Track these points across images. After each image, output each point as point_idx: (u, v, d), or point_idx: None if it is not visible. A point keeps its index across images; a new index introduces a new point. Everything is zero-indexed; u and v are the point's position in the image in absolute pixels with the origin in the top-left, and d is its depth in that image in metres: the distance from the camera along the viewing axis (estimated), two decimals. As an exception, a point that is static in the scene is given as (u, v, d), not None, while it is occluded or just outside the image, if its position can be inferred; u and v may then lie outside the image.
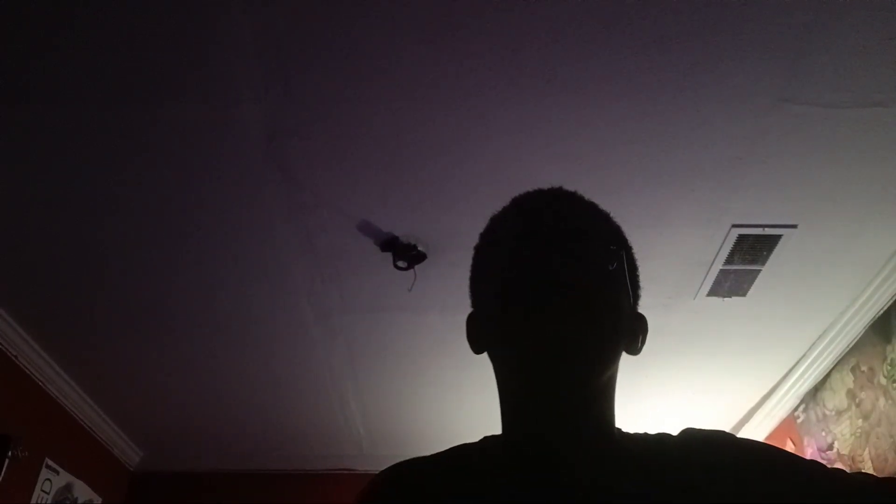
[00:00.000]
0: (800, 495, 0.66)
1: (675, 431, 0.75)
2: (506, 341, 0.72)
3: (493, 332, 0.74)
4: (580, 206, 0.78)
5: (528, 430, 0.73)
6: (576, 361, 0.68)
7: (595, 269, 0.71)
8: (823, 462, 3.11)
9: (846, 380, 2.93)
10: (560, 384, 0.68)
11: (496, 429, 0.79)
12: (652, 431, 0.76)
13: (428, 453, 0.81)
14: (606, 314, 0.70)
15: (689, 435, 0.73)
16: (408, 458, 0.79)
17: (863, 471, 0.78)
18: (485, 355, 0.78)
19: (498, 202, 0.81)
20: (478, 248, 0.81)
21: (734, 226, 2.37)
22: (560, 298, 0.68)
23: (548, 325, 0.67)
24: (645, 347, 0.78)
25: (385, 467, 0.79)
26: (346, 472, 4.08)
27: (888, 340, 2.66)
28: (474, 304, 0.81)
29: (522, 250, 0.71)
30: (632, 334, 0.76)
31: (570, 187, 0.80)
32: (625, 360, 0.76)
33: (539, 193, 0.80)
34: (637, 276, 0.79)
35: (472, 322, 0.80)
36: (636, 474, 0.68)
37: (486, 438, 0.79)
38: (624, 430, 0.75)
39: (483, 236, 0.81)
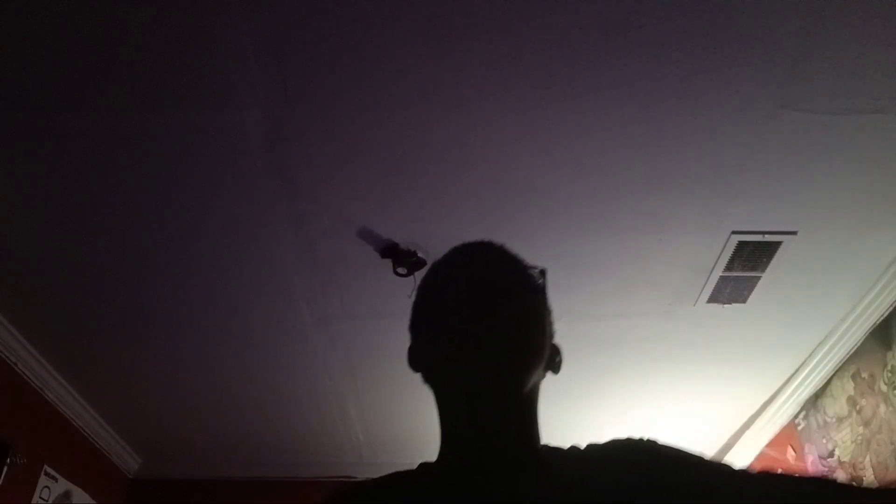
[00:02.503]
0: (708, 496, 0.72)
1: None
2: (436, 376, 0.84)
3: (427, 366, 0.85)
4: (502, 259, 0.87)
5: (458, 455, 0.80)
6: (494, 395, 0.77)
7: (514, 316, 0.79)
8: (825, 469, 3.06)
9: (847, 387, 2.93)
10: (482, 412, 0.78)
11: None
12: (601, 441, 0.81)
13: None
14: (525, 355, 0.79)
15: (612, 444, 0.79)
16: (353, 481, 0.87)
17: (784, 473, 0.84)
18: None
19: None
20: (419, 289, 0.90)
21: (734, 232, 2.37)
22: (479, 342, 0.76)
23: (468, 364, 0.77)
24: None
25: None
26: (345, 479, 4.06)
27: (889, 347, 2.65)
28: (413, 337, 0.89)
29: (450, 303, 0.80)
30: (550, 360, 0.85)
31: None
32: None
33: (467, 247, 0.89)
34: (551, 318, 0.88)
35: (411, 353, 0.89)
36: (558, 485, 0.73)
37: (422, 465, 0.84)
38: (550, 445, 0.82)
39: (423, 280, 0.90)
